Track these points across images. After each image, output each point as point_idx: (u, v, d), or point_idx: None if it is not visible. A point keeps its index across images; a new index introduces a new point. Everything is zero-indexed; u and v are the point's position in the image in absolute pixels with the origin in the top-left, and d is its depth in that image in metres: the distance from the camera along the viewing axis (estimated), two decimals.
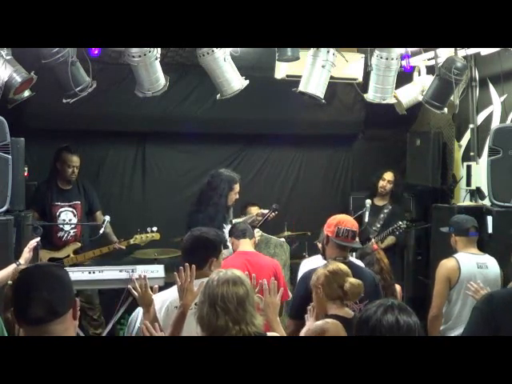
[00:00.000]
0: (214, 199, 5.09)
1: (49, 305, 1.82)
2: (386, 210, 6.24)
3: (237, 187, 5.20)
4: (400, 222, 5.78)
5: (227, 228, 5.02)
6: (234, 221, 5.23)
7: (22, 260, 3.88)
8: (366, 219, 5.83)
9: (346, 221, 3.78)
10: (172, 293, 3.23)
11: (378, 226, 6.17)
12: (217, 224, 4.89)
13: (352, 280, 3.19)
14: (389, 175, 6.30)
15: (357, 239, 3.80)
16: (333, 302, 3.16)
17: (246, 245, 4.40)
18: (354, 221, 3.84)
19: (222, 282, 2.50)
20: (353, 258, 4.20)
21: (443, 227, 4.56)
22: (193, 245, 3.33)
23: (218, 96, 5.09)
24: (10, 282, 3.58)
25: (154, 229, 5.54)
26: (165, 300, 3.21)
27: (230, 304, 2.45)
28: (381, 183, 6.28)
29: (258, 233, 5.01)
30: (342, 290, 3.15)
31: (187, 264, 2.99)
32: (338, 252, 3.70)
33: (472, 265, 4.15)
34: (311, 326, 3.07)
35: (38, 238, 4.20)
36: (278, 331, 2.84)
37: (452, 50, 5.08)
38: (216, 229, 4.06)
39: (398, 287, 4.40)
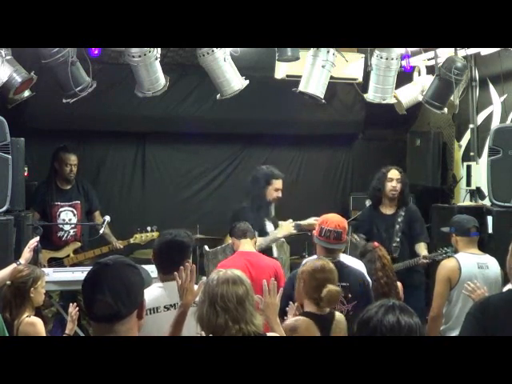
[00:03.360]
0: (254, 193, 5.13)
1: (112, 309, 1.84)
2: (399, 219, 5.19)
3: (276, 183, 5.18)
4: (446, 249, 4.71)
5: (268, 224, 5.10)
6: (281, 223, 5.22)
7: (22, 260, 3.89)
8: None
9: (331, 221, 3.68)
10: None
11: (398, 239, 5.13)
12: (258, 218, 4.95)
13: (331, 287, 3.14)
14: (395, 173, 5.24)
15: (345, 239, 3.70)
16: (309, 299, 3.15)
17: (246, 245, 4.40)
18: (342, 221, 3.74)
19: (222, 282, 2.51)
20: (347, 257, 4.19)
21: (444, 227, 4.55)
22: (167, 249, 3.23)
23: (218, 96, 5.10)
24: (8, 283, 3.58)
25: (154, 228, 5.55)
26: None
27: (229, 303, 2.46)
28: (389, 186, 5.20)
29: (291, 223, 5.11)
30: (319, 293, 3.11)
31: (187, 264, 2.99)
32: (324, 252, 3.67)
33: (472, 265, 4.14)
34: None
35: (38, 238, 4.19)
36: (278, 332, 2.83)
37: (452, 50, 5.08)
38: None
39: (399, 284, 4.41)
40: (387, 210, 5.33)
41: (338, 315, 3.25)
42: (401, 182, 5.26)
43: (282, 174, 5.34)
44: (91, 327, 1.96)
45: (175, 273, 2.97)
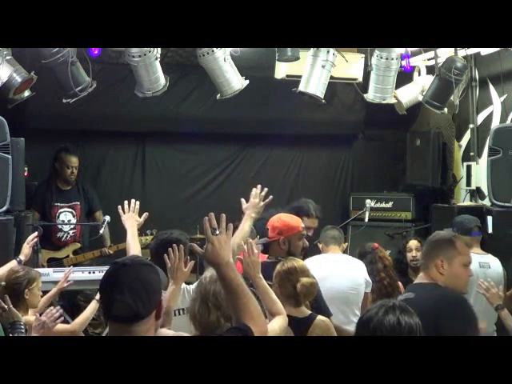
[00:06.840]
0: None
1: (132, 309, 1.82)
2: None
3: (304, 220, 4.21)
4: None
5: None
6: None
7: (22, 256, 3.88)
8: (366, 219, 5.82)
9: (271, 220, 3.74)
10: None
11: None
12: None
13: (304, 280, 3.13)
14: (414, 243, 5.15)
15: (275, 237, 3.63)
16: (288, 301, 3.10)
17: None
18: (277, 220, 3.71)
19: (215, 279, 2.50)
20: (348, 257, 4.17)
21: (446, 227, 4.54)
22: (164, 249, 3.10)
23: (218, 96, 5.10)
24: (3, 283, 3.56)
25: (154, 231, 5.52)
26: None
27: (221, 300, 2.46)
28: (409, 256, 5.08)
29: None
30: (295, 289, 3.11)
31: (175, 245, 2.96)
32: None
33: (474, 264, 4.12)
34: None
35: (36, 233, 4.18)
36: (261, 285, 2.78)
37: (452, 50, 5.08)
38: None
39: (399, 284, 4.39)
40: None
41: (320, 319, 3.15)
42: (420, 249, 4.80)
43: (313, 212, 4.46)
44: (108, 327, 1.93)
45: (164, 255, 2.94)
